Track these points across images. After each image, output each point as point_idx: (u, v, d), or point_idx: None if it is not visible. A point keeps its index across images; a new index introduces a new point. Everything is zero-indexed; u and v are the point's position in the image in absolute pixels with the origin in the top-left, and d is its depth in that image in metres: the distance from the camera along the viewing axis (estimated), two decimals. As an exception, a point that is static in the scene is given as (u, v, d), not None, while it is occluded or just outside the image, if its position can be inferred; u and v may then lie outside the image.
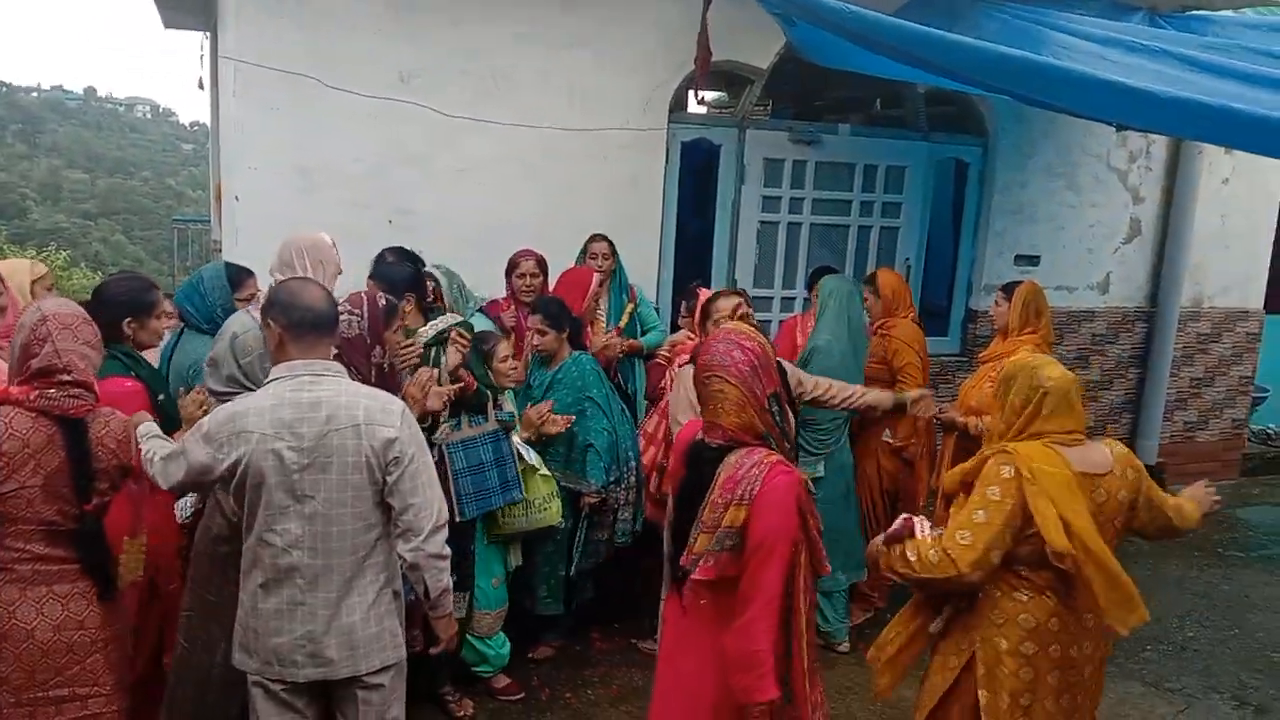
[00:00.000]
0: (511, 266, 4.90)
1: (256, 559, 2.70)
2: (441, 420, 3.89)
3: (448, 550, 2.77)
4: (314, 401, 2.65)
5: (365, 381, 3.28)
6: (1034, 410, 2.88)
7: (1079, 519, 2.72)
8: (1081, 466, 2.84)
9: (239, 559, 2.84)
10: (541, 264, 4.90)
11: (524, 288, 4.83)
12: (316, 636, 2.67)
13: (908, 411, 4.49)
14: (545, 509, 4.14)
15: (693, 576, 2.41)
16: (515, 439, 4.10)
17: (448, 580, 2.80)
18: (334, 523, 2.65)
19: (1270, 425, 8.96)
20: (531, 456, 4.12)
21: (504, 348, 4.16)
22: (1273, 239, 7.96)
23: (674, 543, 2.57)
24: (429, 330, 3.90)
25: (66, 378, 2.65)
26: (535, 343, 4.37)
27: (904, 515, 2.96)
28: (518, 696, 4.26)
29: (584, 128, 5.62)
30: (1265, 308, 8.09)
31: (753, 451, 2.43)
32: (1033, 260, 7.04)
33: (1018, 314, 4.75)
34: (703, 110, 7.33)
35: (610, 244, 5.19)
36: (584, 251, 5.20)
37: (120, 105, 68.71)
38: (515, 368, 4.23)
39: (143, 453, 2.82)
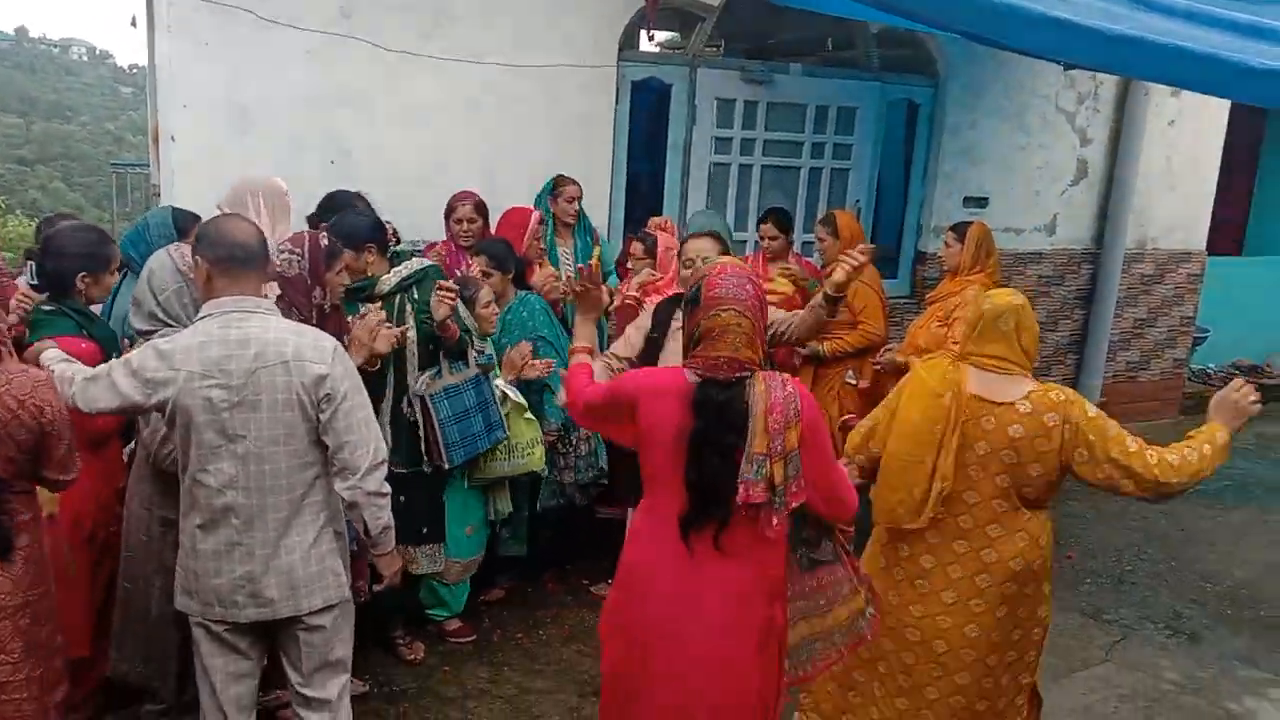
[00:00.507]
0: (449, 209, 4.80)
1: (193, 500, 2.66)
2: (411, 368, 3.87)
3: (387, 488, 2.75)
4: (242, 339, 2.58)
5: (306, 322, 3.23)
6: (971, 331, 3.02)
7: (904, 420, 2.99)
8: (978, 390, 2.93)
9: (165, 497, 2.82)
10: (480, 207, 4.80)
11: (461, 231, 4.74)
12: (256, 577, 2.64)
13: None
14: (529, 454, 4.16)
15: (791, 504, 2.40)
16: (499, 381, 4.11)
17: (388, 518, 2.78)
18: (267, 461, 2.61)
19: (1210, 365, 9.17)
20: (516, 395, 4.14)
21: (486, 293, 4.16)
22: (1216, 181, 8.08)
23: (705, 489, 2.42)
24: (392, 278, 3.84)
25: None
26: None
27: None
28: (469, 639, 4.27)
29: (531, 64, 5.50)
30: (1208, 249, 8.24)
31: (770, 375, 2.46)
32: (981, 202, 7.07)
33: (970, 254, 4.74)
34: (654, 50, 7.22)
35: (579, 186, 5.12)
36: (550, 192, 5.10)
37: (54, 46, 66.26)
38: (496, 312, 4.22)
39: (55, 374, 2.70)
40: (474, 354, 4.02)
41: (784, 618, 2.60)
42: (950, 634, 3.00)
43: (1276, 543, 5.88)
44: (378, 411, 3.81)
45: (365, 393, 2.77)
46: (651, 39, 6.04)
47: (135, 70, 57.50)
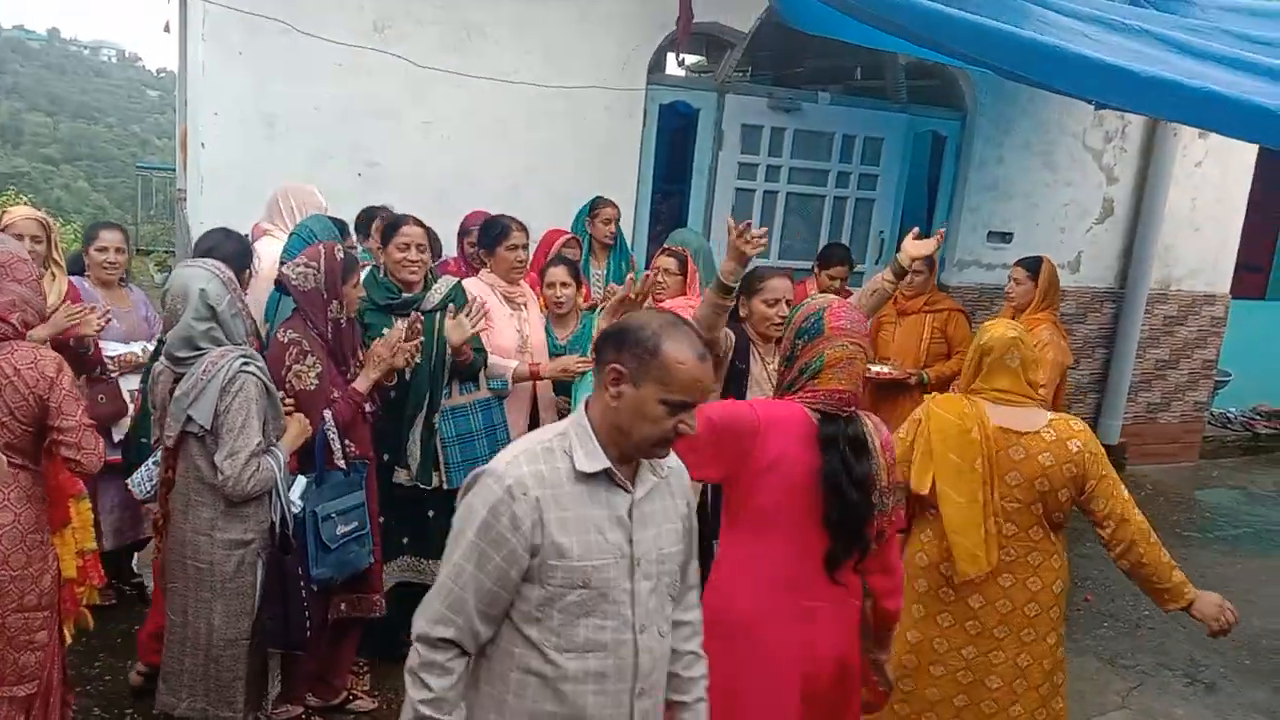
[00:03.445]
0: (464, 229, 4.75)
1: None
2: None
3: None
4: None
5: (322, 337, 3.22)
6: (975, 369, 3.03)
7: (944, 464, 2.90)
8: (1002, 421, 2.93)
9: (230, 519, 2.91)
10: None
11: (473, 251, 4.69)
12: None
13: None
14: None
15: (894, 529, 2.53)
16: None
17: None
18: None
19: (1231, 409, 9.08)
20: None
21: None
22: (1241, 224, 8.02)
23: (849, 525, 2.39)
24: (434, 296, 3.79)
25: None
26: (559, 296, 4.21)
27: None
28: None
29: (560, 85, 5.51)
30: (1231, 292, 8.17)
31: (868, 412, 2.54)
32: (1005, 237, 7.04)
33: (1042, 291, 4.65)
34: (681, 73, 7.24)
35: (617, 208, 5.11)
36: (588, 214, 5.08)
37: (85, 48, 67.06)
38: None
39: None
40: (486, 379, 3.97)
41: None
42: (1003, 668, 2.98)
43: (1295, 592, 5.79)
44: (410, 423, 3.73)
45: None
46: (681, 63, 6.04)
47: (163, 74, 58.02)
